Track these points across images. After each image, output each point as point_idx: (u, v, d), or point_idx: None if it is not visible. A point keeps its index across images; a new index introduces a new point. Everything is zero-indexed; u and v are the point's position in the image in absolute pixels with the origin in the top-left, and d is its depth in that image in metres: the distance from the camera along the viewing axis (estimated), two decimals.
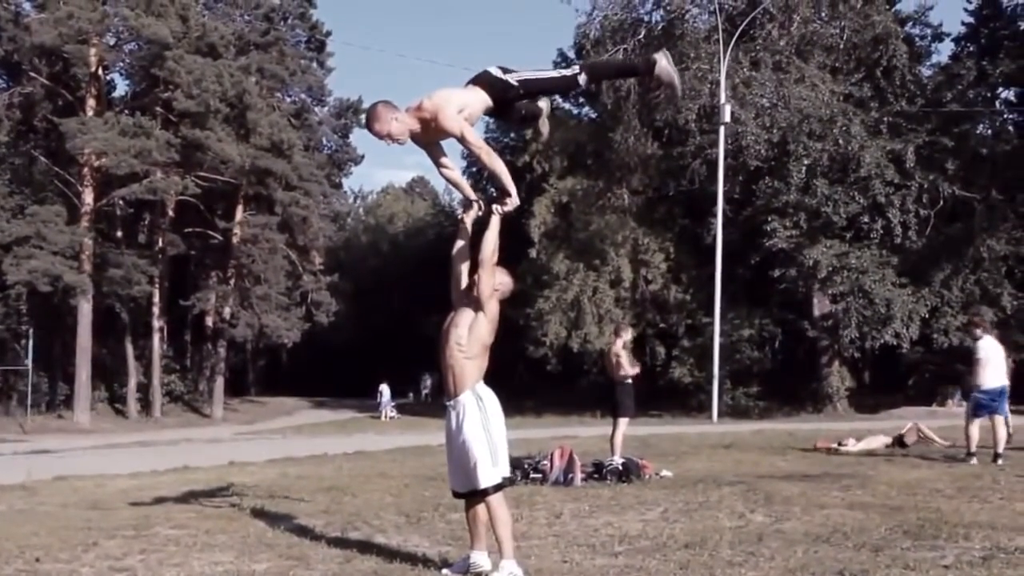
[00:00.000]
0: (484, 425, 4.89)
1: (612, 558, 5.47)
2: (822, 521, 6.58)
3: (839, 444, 12.93)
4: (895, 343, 27.10)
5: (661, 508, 7.39)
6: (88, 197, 28.58)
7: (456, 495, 5.16)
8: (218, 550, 5.85)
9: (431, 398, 33.08)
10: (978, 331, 10.85)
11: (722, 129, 25.87)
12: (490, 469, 4.85)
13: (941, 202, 27.25)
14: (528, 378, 32.60)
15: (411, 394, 34.73)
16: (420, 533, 6.45)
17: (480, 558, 5.06)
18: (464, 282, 5.15)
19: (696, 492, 8.26)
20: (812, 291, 28.33)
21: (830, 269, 26.80)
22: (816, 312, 28.68)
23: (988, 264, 27.20)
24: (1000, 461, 10.12)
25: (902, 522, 6.40)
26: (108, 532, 6.53)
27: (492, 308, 4.98)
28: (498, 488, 4.88)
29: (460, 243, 5.30)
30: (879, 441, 12.93)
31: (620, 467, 9.49)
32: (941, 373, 27.27)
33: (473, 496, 5.01)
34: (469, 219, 5.29)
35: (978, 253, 27.09)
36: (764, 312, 29.12)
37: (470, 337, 4.93)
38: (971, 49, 30.87)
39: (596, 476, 9.41)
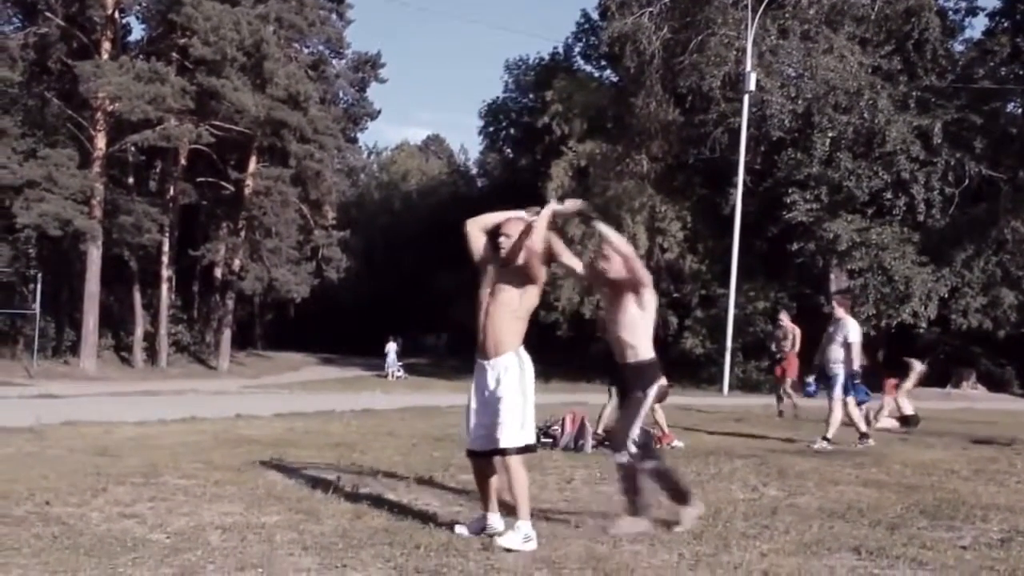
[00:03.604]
0: (522, 388, 4.86)
1: None
2: (836, 497, 6.53)
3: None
4: (912, 322, 26.91)
5: None
6: (100, 142, 28.44)
7: (471, 454, 5.09)
8: (227, 501, 5.86)
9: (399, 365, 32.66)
10: (841, 311, 10.49)
11: (746, 98, 25.57)
12: (518, 431, 4.83)
13: (967, 181, 26.96)
14: (537, 343, 32.49)
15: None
16: (430, 492, 6.43)
17: (496, 520, 5.03)
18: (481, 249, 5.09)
19: (708, 464, 8.20)
20: (830, 266, 28.14)
21: (850, 244, 26.58)
22: (833, 287, 28.40)
23: (1012, 246, 26.97)
24: (826, 445, 9.76)
25: (918, 501, 6.33)
26: (117, 478, 6.54)
27: (542, 274, 4.97)
28: (520, 451, 4.85)
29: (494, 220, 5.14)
30: (890, 423, 12.80)
31: None
32: (957, 354, 27.13)
33: (488, 457, 4.96)
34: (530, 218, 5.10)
35: (1002, 234, 26.84)
36: (780, 286, 28.92)
37: (522, 299, 4.91)
38: (1006, 25, 30.28)
39: (607, 443, 9.31)
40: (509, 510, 4.94)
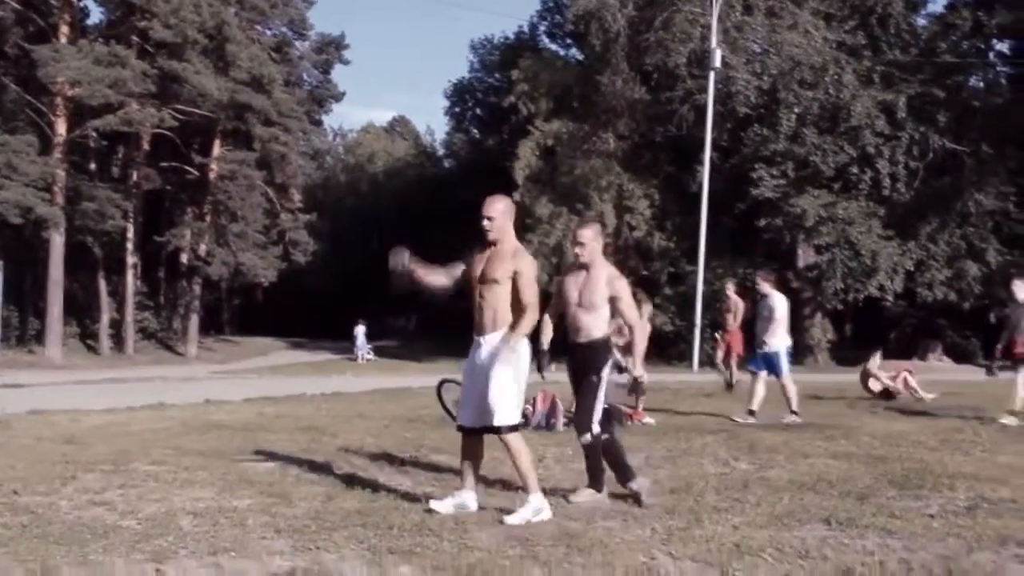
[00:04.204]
0: (515, 367, 4.88)
1: None
2: (806, 470, 6.59)
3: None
4: (879, 296, 27.20)
5: (644, 454, 7.37)
6: (61, 128, 27.95)
7: (461, 430, 5.13)
8: (198, 486, 5.84)
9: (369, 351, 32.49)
10: (767, 286, 10.38)
11: (712, 74, 25.56)
12: (512, 410, 4.89)
13: (931, 154, 27.19)
14: None
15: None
16: (402, 473, 6.42)
17: (470, 498, 5.08)
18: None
19: (679, 439, 8.25)
20: (797, 241, 28.35)
21: (816, 219, 26.75)
22: (800, 263, 28.71)
23: (975, 219, 27.25)
24: (795, 418, 9.76)
25: (886, 472, 6.42)
26: (86, 466, 6.49)
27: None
28: (513, 428, 4.92)
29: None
30: (879, 386, 12.99)
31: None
32: (923, 327, 27.46)
33: (479, 434, 5.03)
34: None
35: (965, 207, 27.12)
36: (747, 262, 29.01)
37: (512, 278, 4.94)
38: None
39: None
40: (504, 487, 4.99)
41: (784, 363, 10.09)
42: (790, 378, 10.11)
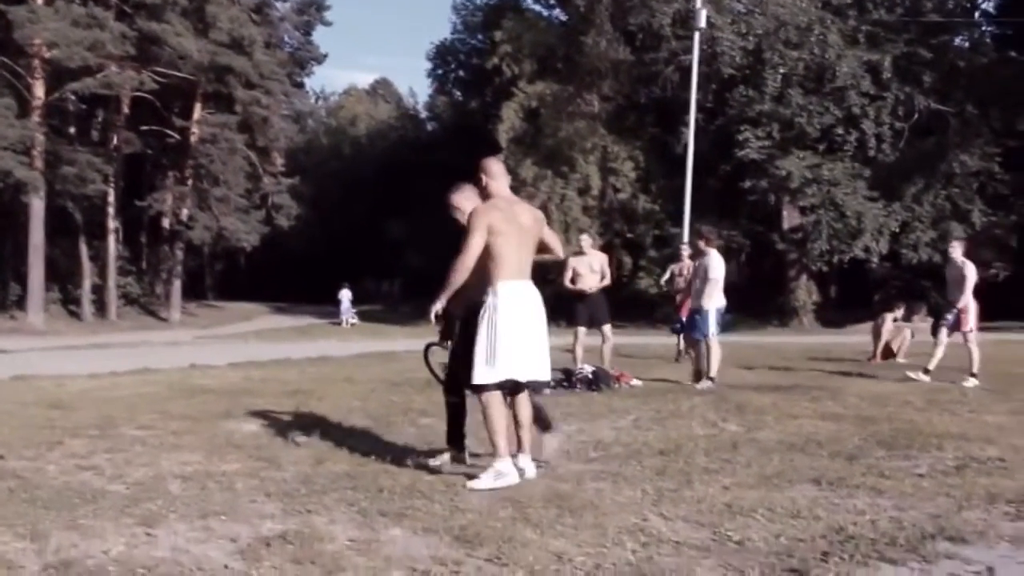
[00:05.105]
0: (489, 323, 4.83)
1: (587, 464, 5.43)
2: (795, 430, 6.57)
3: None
4: (864, 257, 27.27)
5: (632, 416, 7.37)
6: (39, 90, 27.51)
7: None
8: (186, 451, 5.81)
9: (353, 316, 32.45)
10: (702, 243, 9.93)
11: (697, 35, 25.25)
12: (483, 368, 4.81)
13: (916, 115, 27.10)
14: None
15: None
16: (390, 436, 6.40)
17: (525, 462, 4.99)
18: None
19: (667, 401, 8.23)
20: (782, 203, 28.34)
21: (802, 181, 26.72)
22: (785, 225, 28.72)
23: (960, 179, 27.23)
24: (710, 384, 9.34)
25: (875, 432, 6.40)
26: (72, 431, 6.46)
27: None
28: (490, 388, 4.83)
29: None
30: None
31: (590, 376, 9.40)
32: (908, 288, 27.49)
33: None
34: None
35: (950, 168, 27.09)
36: (732, 224, 29.03)
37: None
38: None
39: (565, 384, 9.30)
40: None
41: (711, 323, 9.56)
42: (716, 340, 9.61)
